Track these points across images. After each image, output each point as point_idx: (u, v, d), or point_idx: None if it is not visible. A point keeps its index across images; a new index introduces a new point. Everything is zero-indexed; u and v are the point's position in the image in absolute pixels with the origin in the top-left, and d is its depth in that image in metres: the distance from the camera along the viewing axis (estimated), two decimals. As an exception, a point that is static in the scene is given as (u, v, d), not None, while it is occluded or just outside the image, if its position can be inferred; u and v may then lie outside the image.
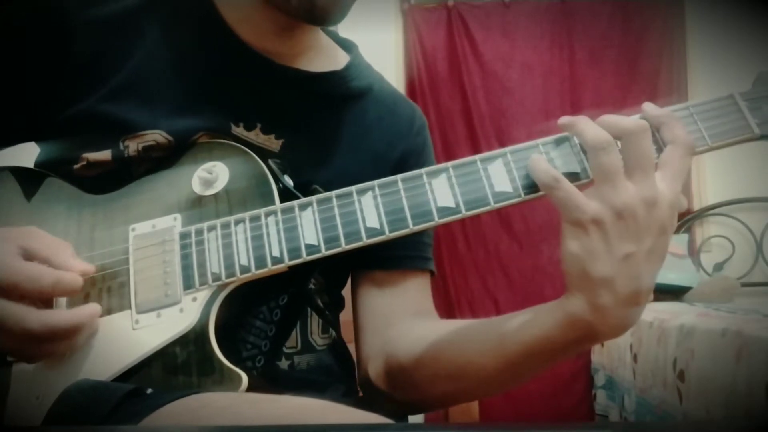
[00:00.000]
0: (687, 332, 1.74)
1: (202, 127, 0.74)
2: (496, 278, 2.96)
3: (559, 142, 0.63)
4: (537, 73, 3.06)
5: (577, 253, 0.58)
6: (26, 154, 0.79)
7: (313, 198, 0.66)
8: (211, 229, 0.67)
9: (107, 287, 0.67)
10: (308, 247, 0.64)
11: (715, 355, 1.53)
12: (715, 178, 3.01)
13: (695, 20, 3.07)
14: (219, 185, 0.70)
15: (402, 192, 0.64)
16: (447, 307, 2.89)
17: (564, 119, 0.62)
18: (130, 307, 0.65)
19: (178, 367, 0.63)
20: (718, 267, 2.95)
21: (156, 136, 0.72)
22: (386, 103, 0.87)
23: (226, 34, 0.76)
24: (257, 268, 0.64)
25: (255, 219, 0.66)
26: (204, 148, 0.73)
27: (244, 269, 0.65)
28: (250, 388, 0.62)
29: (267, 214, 0.66)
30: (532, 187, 0.62)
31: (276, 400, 0.56)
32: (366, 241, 0.63)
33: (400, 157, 0.84)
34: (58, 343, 0.61)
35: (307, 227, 0.64)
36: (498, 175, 0.63)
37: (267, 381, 0.73)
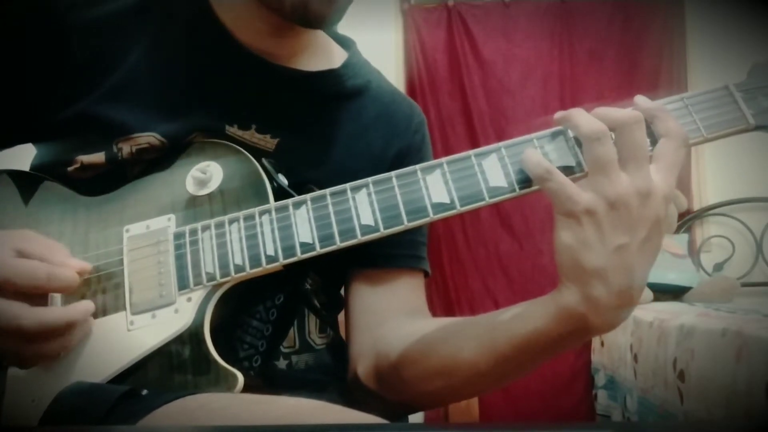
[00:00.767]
0: (687, 332, 1.73)
1: (195, 128, 0.73)
2: (496, 278, 2.96)
3: (553, 137, 0.63)
4: (537, 72, 3.06)
5: (570, 244, 0.58)
6: (24, 157, 0.79)
7: (308, 196, 0.65)
8: (205, 228, 0.67)
9: (102, 288, 0.66)
10: (303, 245, 0.64)
11: (715, 355, 1.53)
12: (715, 178, 3.01)
13: (695, 19, 3.07)
14: (213, 185, 0.70)
15: (396, 189, 0.64)
16: (447, 307, 2.89)
17: (559, 114, 0.62)
18: (124, 308, 0.65)
19: (174, 367, 0.63)
20: (718, 267, 2.95)
21: (150, 138, 0.72)
22: (384, 101, 0.86)
23: (221, 35, 0.76)
24: (252, 267, 0.64)
25: (249, 218, 0.66)
26: (198, 149, 0.73)
27: (239, 268, 0.64)
28: (248, 388, 0.61)
29: (261, 213, 0.66)
30: (526, 181, 0.62)
31: (272, 401, 0.56)
32: (361, 238, 0.63)
33: (397, 154, 0.84)
34: (51, 342, 0.61)
35: (302, 225, 0.64)
36: (492, 170, 0.63)
37: (264, 381, 0.73)
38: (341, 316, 0.88)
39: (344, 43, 0.88)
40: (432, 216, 0.63)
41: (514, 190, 0.62)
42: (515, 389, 2.82)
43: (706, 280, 2.77)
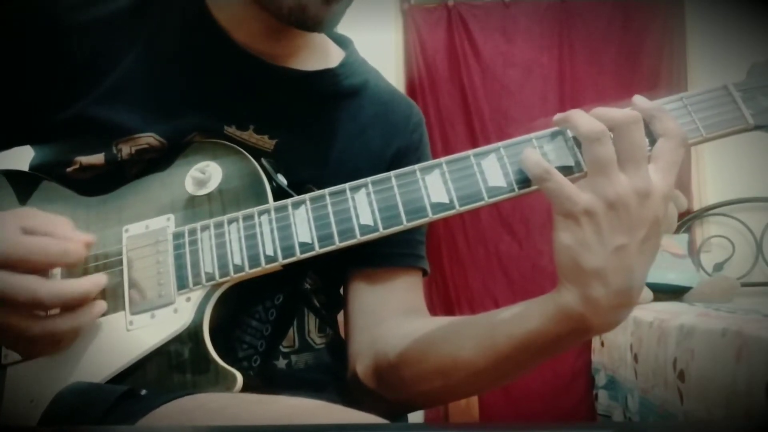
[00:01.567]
0: (687, 332, 1.73)
1: (194, 129, 0.73)
2: (496, 278, 2.96)
3: (552, 137, 0.63)
4: (537, 72, 3.06)
5: (569, 244, 0.58)
6: (21, 157, 0.79)
7: (307, 196, 0.65)
8: (204, 228, 0.67)
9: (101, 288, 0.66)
10: (302, 245, 0.64)
11: (715, 355, 1.52)
12: (715, 178, 3.00)
13: (695, 20, 3.07)
14: (212, 185, 0.70)
15: (395, 188, 0.64)
16: (447, 307, 2.89)
17: (558, 116, 0.62)
18: (124, 308, 0.65)
19: (173, 367, 0.63)
20: (718, 267, 2.94)
21: (149, 138, 0.72)
22: (382, 100, 0.86)
23: (218, 35, 0.76)
24: (251, 267, 0.64)
25: (248, 218, 0.66)
26: (197, 149, 0.73)
27: (238, 268, 0.64)
28: (247, 388, 0.61)
29: (260, 213, 0.66)
30: (525, 181, 0.62)
31: (271, 401, 0.56)
32: (360, 238, 0.63)
33: (395, 153, 0.84)
34: (64, 318, 0.60)
35: (301, 225, 0.64)
36: (491, 169, 0.63)
37: (264, 381, 0.73)
38: (341, 316, 0.88)
39: (342, 42, 0.88)
40: (431, 216, 0.63)
41: (513, 190, 0.62)
42: (515, 389, 2.82)
43: (706, 280, 2.77)
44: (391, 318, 0.79)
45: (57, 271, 0.65)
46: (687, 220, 2.97)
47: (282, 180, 0.71)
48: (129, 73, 0.74)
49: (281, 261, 0.64)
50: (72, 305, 0.60)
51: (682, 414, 1.69)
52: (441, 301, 2.92)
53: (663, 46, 3.06)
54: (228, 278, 0.65)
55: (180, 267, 0.66)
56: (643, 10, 3.08)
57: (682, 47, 3.07)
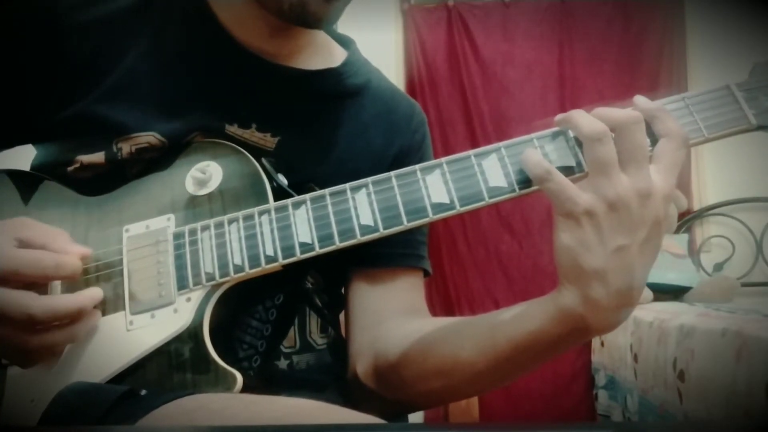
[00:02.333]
0: (687, 332, 1.73)
1: (195, 128, 0.73)
2: (496, 278, 2.96)
3: (554, 137, 0.63)
4: (537, 72, 3.06)
5: (570, 245, 0.58)
6: (24, 157, 0.79)
7: (307, 196, 0.65)
8: (204, 228, 0.67)
9: (101, 288, 0.66)
10: (302, 245, 0.64)
11: (715, 355, 1.52)
12: (715, 178, 3.00)
13: (695, 20, 3.07)
14: (212, 185, 0.70)
15: (396, 188, 0.64)
16: (447, 307, 2.89)
17: (560, 116, 0.62)
18: (124, 308, 0.65)
19: (173, 367, 0.63)
20: (718, 267, 2.94)
21: (149, 137, 0.72)
22: (384, 100, 0.86)
23: (219, 34, 0.76)
24: (251, 267, 0.64)
25: (248, 218, 0.66)
26: (197, 148, 0.72)
27: (238, 269, 0.64)
28: (248, 389, 0.61)
29: (260, 213, 0.66)
30: (526, 181, 0.62)
31: (270, 401, 0.56)
32: (360, 238, 0.63)
33: (397, 153, 0.84)
34: (60, 331, 0.60)
35: (301, 225, 0.64)
36: (492, 170, 0.63)
37: (265, 381, 0.73)
38: (342, 316, 0.89)
39: (344, 42, 0.88)
40: (431, 216, 0.62)
41: (513, 191, 0.62)
42: (515, 389, 2.82)
43: (706, 280, 2.77)
44: (391, 318, 0.79)
45: (57, 282, 0.65)
46: (687, 220, 2.97)
47: (282, 180, 0.71)
48: (130, 72, 0.73)
49: (281, 261, 0.64)
50: (66, 322, 0.61)
51: (681, 414, 1.69)
52: (441, 301, 2.92)
53: (663, 46, 3.06)
54: (228, 278, 0.64)
55: (180, 267, 0.66)
56: (643, 10, 3.08)
57: (682, 47, 3.07)
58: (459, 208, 0.62)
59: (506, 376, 0.70)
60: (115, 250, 0.68)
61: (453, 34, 3.05)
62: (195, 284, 0.65)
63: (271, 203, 0.67)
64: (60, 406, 0.59)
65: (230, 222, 0.66)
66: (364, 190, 0.64)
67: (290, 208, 0.65)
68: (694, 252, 2.95)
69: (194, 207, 0.69)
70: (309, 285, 0.81)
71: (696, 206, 3.01)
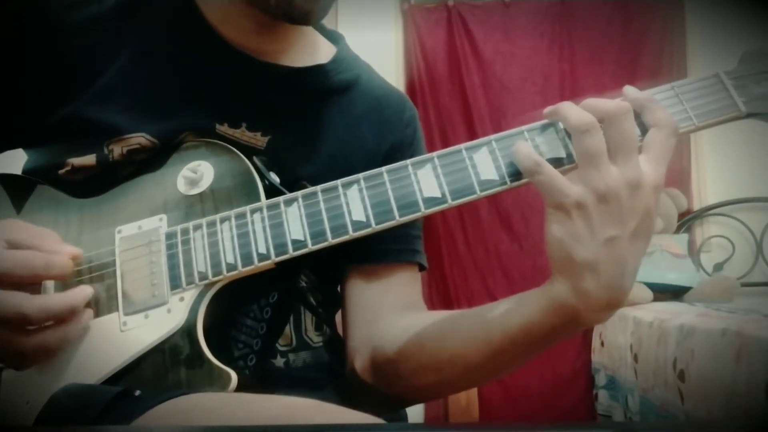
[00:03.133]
0: (687, 332, 1.73)
1: (186, 128, 0.73)
2: (496, 278, 2.95)
3: (543, 129, 0.63)
4: (537, 72, 3.05)
5: (561, 237, 0.58)
6: (15, 161, 0.79)
7: (299, 193, 0.65)
8: (196, 228, 0.67)
9: (94, 290, 0.66)
10: (294, 242, 0.64)
11: (715, 355, 1.52)
12: (715, 178, 3.00)
13: (695, 19, 3.07)
14: (204, 184, 0.70)
15: (388, 184, 0.64)
16: (447, 307, 2.86)
17: (549, 108, 0.62)
18: (117, 309, 0.65)
19: (168, 367, 0.63)
20: (718, 267, 2.94)
21: (140, 139, 0.72)
22: (374, 95, 0.86)
23: (207, 34, 0.76)
24: (244, 265, 0.64)
25: (240, 216, 0.66)
26: (188, 148, 0.73)
27: (231, 267, 0.64)
28: (244, 388, 0.61)
29: (252, 211, 0.66)
30: (517, 174, 0.61)
31: (265, 400, 0.56)
32: (352, 234, 0.63)
33: (389, 149, 0.84)
34: (54, 331, 0.61)
35: (293, 223, 0.64)
36: (483, 163, 0.63)
37: (261, 380, 0.73)
38: (339, 314, 0.88)
39: (332, 37, 0.88)
40: (423, 210, 0.62)
41: (505, 183, 0.62)
42: (515, 389, 2.82)
43: (706, 280, 2.76)
44: (388, 314, 0.79)
45: (50, 283, 0.65)
46: (687, 220, 2.97)
47: (274, 178, 0.71)
48: (119, 73, 0.73)
49: (274, 259, 0.64)
50: (60, 318, 0.61)
51: (682, 414, 1.69)
52: (441, 301, 2.92)
53: (663, 46, 3.06)
54: (221, 277, 0.64)
55: (173, 267, 0.66)
56: (643, 10, 3.07)
57: (682, 47, 3.06)
58: (450, 202, 0.62)
59: (501, 369, 0.70)
60: (107, 251, 0.68)
61: (453, 34, 3.05)
62: (188, 284, 0.65)
63: (263, 201, 0.67)
64: (54, 408, 0.59)
65: (222, 221, 0.66)
66: (355, 186, 0.64)
67: (282, 205, 0.65)
68: (694, 252, 2.94)
69: (186, 207, 0.69)
70: (303, 283, 0.81)
71: (696, 206, 3.00)
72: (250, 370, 0.73)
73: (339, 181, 0.65)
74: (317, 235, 0.63)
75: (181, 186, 0.70)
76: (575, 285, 0.58)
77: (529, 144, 0.61)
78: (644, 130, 0.60)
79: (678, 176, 2.96)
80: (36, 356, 0.61)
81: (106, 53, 0.74)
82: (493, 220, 2.96)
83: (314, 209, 0.64)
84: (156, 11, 0.76)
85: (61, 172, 0.72)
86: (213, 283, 0.65)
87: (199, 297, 0.65)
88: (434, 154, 0.64)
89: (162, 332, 0.63)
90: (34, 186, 0.73)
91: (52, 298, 0.61)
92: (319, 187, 0.65)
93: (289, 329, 0.79)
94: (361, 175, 0.65)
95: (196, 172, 0.70)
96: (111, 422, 0.55)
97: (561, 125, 0.62)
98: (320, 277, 0.83)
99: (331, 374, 0.82)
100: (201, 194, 0.69)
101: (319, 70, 0.81)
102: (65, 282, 0.65)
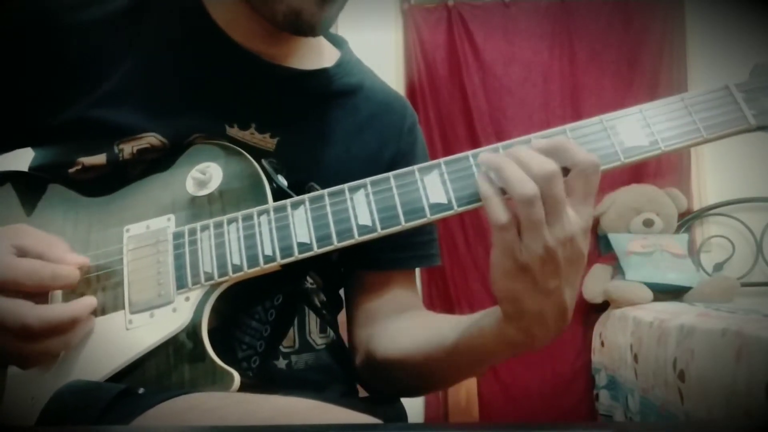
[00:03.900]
0: (687, 332, 1.73)
1: (196, 129, 0.74)
2: (496, 278, 2.95)
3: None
4: (537, 72, 3.05)
5: (508, 295, 0.62)
6: (21, 158, 0.80)
7: (306, 197, 0.66)
8: (204, 228, 0.67)
9: (101, 287, 0.67)
10: (300, 245, 0.64)
11: (715, 355, 1.52)
12: (715, 178, 3.00)
13: (695, 20, 3.07)
14: (212, 186, 0.70)
15: (394, 189, 0.64)
16: (447, 307, 2.89)
17: (486, 157, 0.62)
18: (123, 307, 0.65)
19: (171, 366, 0.63)
20: (718, 267, 2.94)
21: (150, 138, 0.72)
22: (377, 100, 0.87)
23: (217, 36, 0.76)
24: (249, 267, 0.64)
25: (247, 218, 0.66)
26: (198, 149, 0.73)
27: (237, 268, 0.65)
28: (247, 389, 0.62)
29: (259, 214, 0.66)
30: None
31: (264, 400, 0.56)
32: (358, 238, 0.64)
33: (393, 156, 0.85)
34: (55, 339, 0.61)
35: (300, 226, 0.64)
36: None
37: (263, 381, 0.73)
38: (341, 316, 0.90)
39: (336, 41, 0.89)
40: (429, 216, 0.63)
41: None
42: (515, 389, 2.82)
43: (706, 280, 2.76)
44: (384, 318, 0.82)
45: (58, 292, 0.65)
46: (687, 220, 2.97)
47: (282, 181, 0.71)
48: (129, 74, 0.74)
49: (279, 261, 0.64)
50: (60, 331, 0.61)
51: (682, 414, 1.69)
52: (441, 301, 2.92)
53: (663, 46, 3.06)
54: (227, 278, 0.65)
55: (179, 267, 0.66)
56: (643, 10, 3.07)
57: (682, 47, 3.06)
58: (456, 209, 0.63)
59: (461, 374, 0.79)
60: (115, 249, 0.68)
61: (453, 34, 3.05)
62: (194, 284, 0.65)
63: (270, 203, 0.67)
64: (58, 404, 0.59)
65: (229, 222, 0.66)
66: (362, 191, 0.65)
67: (289, 208, 0.66)
68: (694, 252, 2.94)
69: (194, 207, 0.69)
70: (308, 285, 0.82)
71: (696, 206, 3.01)
72: (253, 372, 0.74)
73: (346, 185, 0.65)
74: (323, 238, 0.64)
75: (190, 187, 0.70)
76: (524, 330, 0.63)
77: (499, 200, 0.60)
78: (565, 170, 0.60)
79: (678, 176, 2.97)
80: (38, 360, 0.62)
81: (114, 54, 0.74)
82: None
83: (321, 212, 0.65)
84: (165, 13, 0.77)
85: (71, 171, 0.73)
86: (218, 284, 0.65)
87: (204, 297, 0.65)
88: (441, 160, 0.64)
89: (167, 331, 0.64)
90: (46, 184, 0.74)
91: (54, 309, 0.62)
92: (326, 191, 0.66)
93: (292, 331, 0.79)
94: (368, 180, 0.65)
95: (205, 173, 0.70)
96: (113, 420, 0.55)
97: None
98: (325, 279, 0.84)
99: (332, 376, 0.82)
100: (209, 195, 0.70)
101: (324, 73, 0.82)
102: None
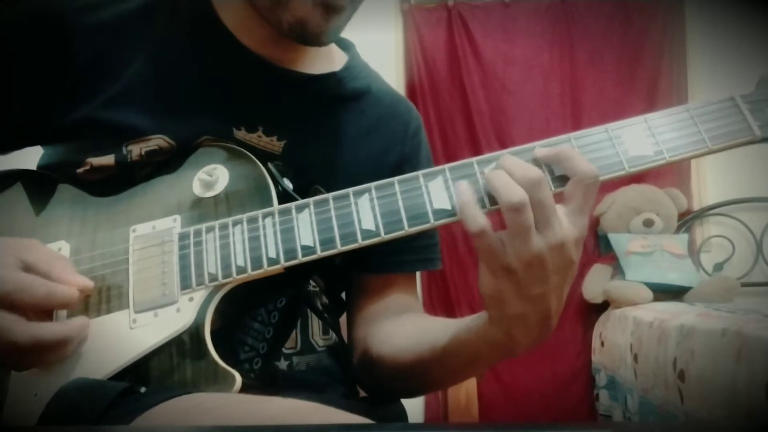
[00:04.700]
0: (687, 332, 1.73)
1: (204, 131, 0.74)
2: (496, 278, 2.95)
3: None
4: (537, 72, 3.05)
5: (493, 295, 0.61)
6: (29, 156, 0.80)
7: (310, 200, 0.66)
8: (209, 230, 0.67)
9: (107, 286, 0.67)
10: (304, 248, 0.64)
11: (715, 355, 1.53)
12: (715, 178, 3.00)
13: (695, 20, 3.07)
14: (219, 188, 0.71)
15: (398, 194, 0.64)
16: (447, 307, 2.89)
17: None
18: (128, 306, 0.66)
19: (174, 366, 0.64)
20: (718, 267, 2.94)
21: (159, 140, 0.73)
22: (384, 104, 0.88)
23: (225, 39, 0.77)
24: (253, 268, 0.65)
25: (252, 220, 0.67)
26: (205, 152, 0.74)
27: (241, 270, 0.65)
28: (248, 390, 0.62)
29: (264, 216, 0.67)
30: None
31: (265, 401, 0.57)
32: (361, 242, 0.64)
33: (396, 162, 0.85)
34: (46, 356, 0.62)
35: (304, 229, 0.65)
36: None
37: (265, 382, 0.74)
38: (343, 319, 0.90)
39: (344, 45, 0.89)
40: (433, 222, 0.63)
41: None
42: (515, 389, 2.82)
43: (706, 280, 2.76)
44: (382, 320, 0.83)
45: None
46: (687, 220, 2.97)
47: (288, 184, 0.72)
48: (139, 75, 0.74)
49: (283, 263, 0.64)
50: (51, 349, 0.61)
51: (682, 414, 1.69)
52: (441, 302, 2.92)
53: (663, 46, 3.06)
54: (230, 279, 0.65)
55: (184, 267, 0.66)
56: (643, 11, 3.08)
57: (682, 48, 3.06)
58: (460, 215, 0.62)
59: (456, 376, 0.78)
60: (121, 249, 0.69)
61: (453, 34, 3.05)
62: (198, 284, 0.65)
63: (275, 206, 0.68)
64: (61, 402, 0.59)
65: (234, 224, 0.67)
66: (366, 195, 0.65)
67: (294, 211, 0.66)
68: (694, 252, 2.95)
69: (200, 209, 0.70)
70: (312, 288, 0.82)
71: (696, 206, 3.01)
72: (255, 373, 0.74)
73: (350, 190, 0.66)
74: (326, 242, 0.64)
75: (197, 188, 0.71)
76: (508, 332, 0.63)
77: (475, 207, 0.60)
78: (560, 184, 0.61)
79: (678, 176, 2.97)
80: (33, 366, 0.63)
81: (123, 55, 0.75)
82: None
83: (325, 216, 0.65)
84: (175, 15, 0.77)
85: (79, 170, 0.73)
86: (222, 285, 0.66)
87: (208, 298, 0.65)
88: (446, 166, 0.64)
89: (170, 331, 0.64)
90: (56, 184, 0.74)
91: (45, 327, 0.61)
92: (330, 195, 0.66)
93: (295, 332, 0.80)
94: (372, 185, 0.65)
95: (212, 175, 0.71)
96: (115, 418, 0.55)
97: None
98: (328, 282, 0.85)
99: (333, 378, 0.83)
100: (215, 197, 0.70)
101: (332, 77, 0.83)
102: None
